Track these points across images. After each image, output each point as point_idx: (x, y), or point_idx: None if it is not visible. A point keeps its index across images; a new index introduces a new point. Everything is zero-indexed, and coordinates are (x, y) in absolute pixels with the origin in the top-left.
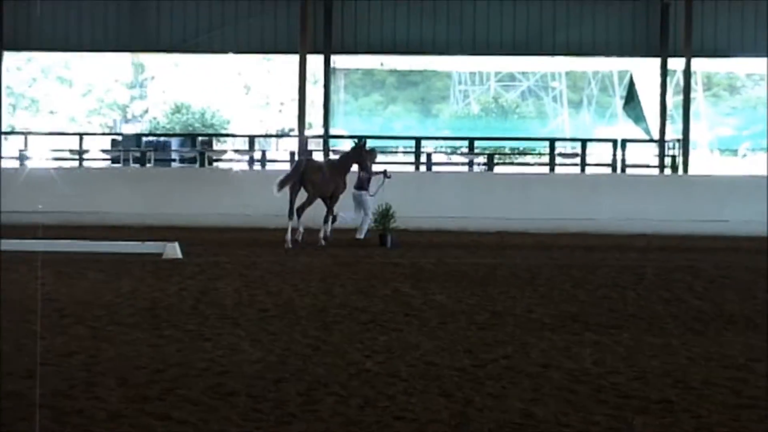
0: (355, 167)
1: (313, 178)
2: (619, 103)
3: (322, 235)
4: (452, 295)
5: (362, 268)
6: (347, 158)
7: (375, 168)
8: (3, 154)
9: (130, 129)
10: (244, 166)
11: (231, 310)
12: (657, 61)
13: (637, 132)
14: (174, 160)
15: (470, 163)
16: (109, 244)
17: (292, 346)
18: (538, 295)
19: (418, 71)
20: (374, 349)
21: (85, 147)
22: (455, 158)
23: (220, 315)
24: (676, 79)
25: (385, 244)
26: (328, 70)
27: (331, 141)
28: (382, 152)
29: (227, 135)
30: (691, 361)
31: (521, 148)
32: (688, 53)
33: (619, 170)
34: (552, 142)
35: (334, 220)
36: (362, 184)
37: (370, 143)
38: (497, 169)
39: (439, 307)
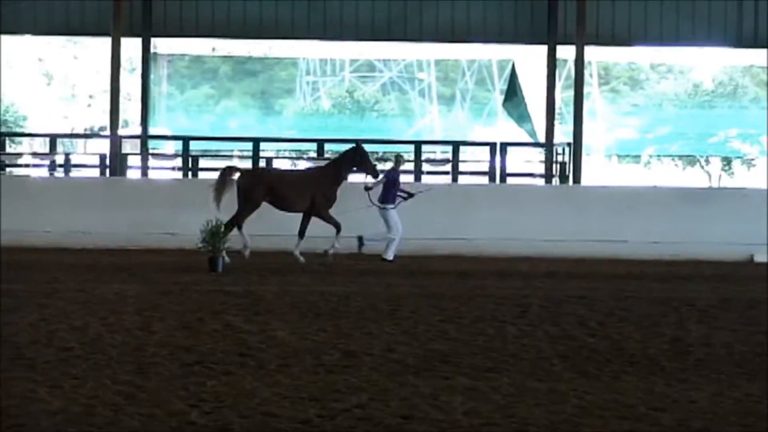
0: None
1: (248, 191)
2: (498, 98)
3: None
4: (296, 330)
5: (188, 298)
6: (337, 165)
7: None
8: None
9: None
10: (44, 173)
11: (25, 349)
12: (544, 49)
13: (520, 134)
14: None
15: None
16: None
17: (101, 394)
18: (400, 330)
19: (257, 58)
20: (201, 397)
21: None
22: (302, 164)
23: (13, 355)
24: (567, 71)
25: (215, 269)
26: (147, 57)
27: (151, 142)
28: (214, 156)
29: (23, 134)
30: (583, 410)
31: (381, 153)
32: (581, 40)
33: (498, 180)
34: (418, 145)
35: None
36: (383, 197)
37: (202, 145)
38: (352, 178)
39: (279, 346)
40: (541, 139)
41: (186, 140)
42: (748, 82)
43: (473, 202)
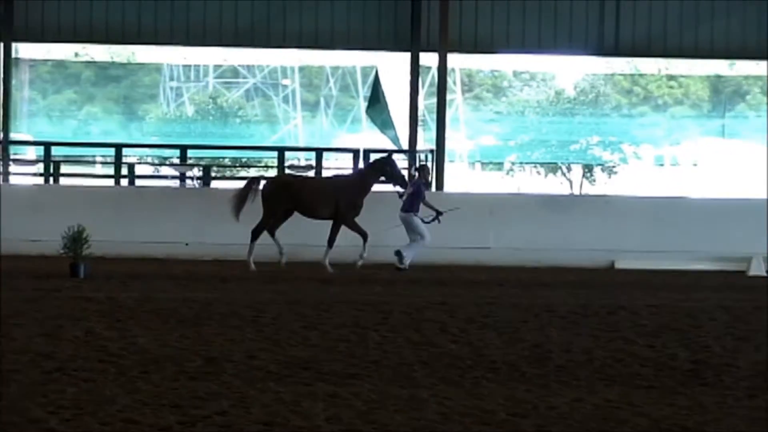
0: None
1: (272, 197)
2: (363, 105)
3: (326, 262)
4: (158, 337)
5: (48, 305)
6: (365, 174)
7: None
8: None
9: None
10: None
11: None
12: (408, 55)
13: (383, 140)
14: None
15: (182, 177)
16: None
17: None
18: (263, 337)
19: (120, 64)
20: (60, 404)
21: None
22: (164, 170)
23: None
24: (430, 78)
25: (77, 275)
26: (8, 62)
27: (12, 147)
28: (76, 162)
29: None
30: (444, 416)
31: (245, 159)
32: (444, 47)
33: None
34: (281, 151)
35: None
36: (408, 205)
37: (64, 150)
38: (215, 184)
39: (140, 353)
40: (405, 145)
41: (47, 146)
42: (609, 90)
43: None
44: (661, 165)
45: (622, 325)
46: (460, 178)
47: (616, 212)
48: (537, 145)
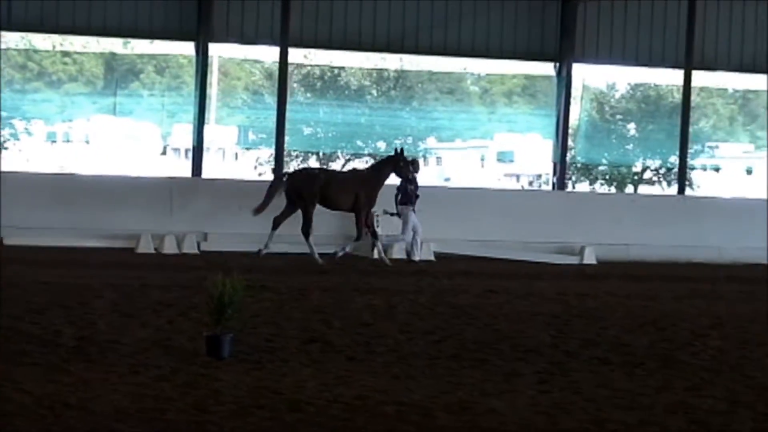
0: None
1: (304, 189)
2: None
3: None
4: None
5: None
6: (380, 169)
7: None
8: None
9: None
10: None
11: None
12: None
13: None
14: None
15: None
16: None
17: None
18: None
19: None
20: None
21: None
22: None
23: None
24: None
25: None
26: None
27: None
28: None
29: None
30: None
31: None
32: None
33: None
34: None
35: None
36: (407, 198)
37: None
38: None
39: None
40: None
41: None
42: (2, 65)
43: None
44: (54, 141)
45: (10, 303)
46: None
47: (5, 188)
48: None
